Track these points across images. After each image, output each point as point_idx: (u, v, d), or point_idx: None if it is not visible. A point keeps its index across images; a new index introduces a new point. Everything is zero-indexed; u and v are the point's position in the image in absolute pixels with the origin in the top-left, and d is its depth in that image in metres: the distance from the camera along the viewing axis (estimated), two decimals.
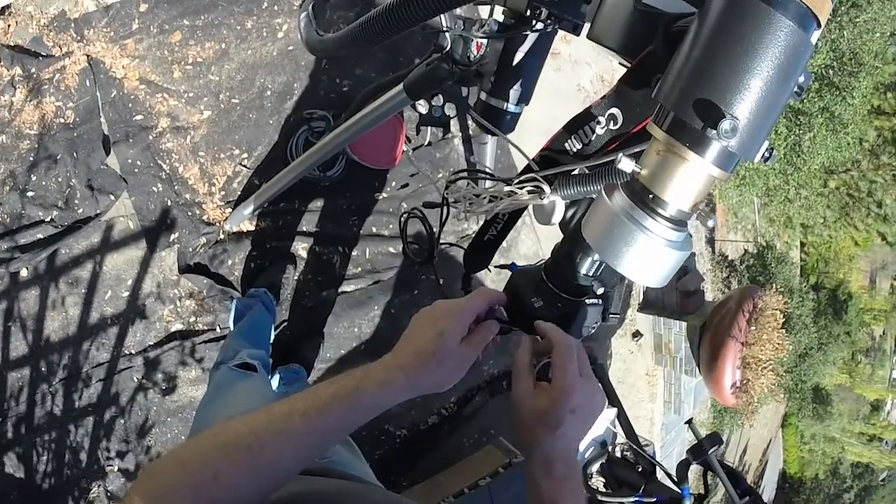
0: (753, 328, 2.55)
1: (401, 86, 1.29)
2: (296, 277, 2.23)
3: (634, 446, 2.31)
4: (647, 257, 0.56)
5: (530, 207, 0.92)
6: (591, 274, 0.85)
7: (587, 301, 0.84)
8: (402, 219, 1.13)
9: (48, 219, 1.79)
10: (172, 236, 2.05)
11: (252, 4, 2.18)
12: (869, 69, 4.33)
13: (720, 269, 3.98)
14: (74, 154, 1.87)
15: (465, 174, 0.99)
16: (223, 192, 2.16)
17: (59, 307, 1.81)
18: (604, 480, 2.34)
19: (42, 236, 1.78)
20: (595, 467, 2.33)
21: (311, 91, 2.27)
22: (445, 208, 1.00)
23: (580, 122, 0.78)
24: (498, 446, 2.19)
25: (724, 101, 0.50)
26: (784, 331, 2.63)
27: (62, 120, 1.85)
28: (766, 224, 4.45)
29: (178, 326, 2.03)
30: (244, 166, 2.20)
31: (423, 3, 0.76)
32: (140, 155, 2.01)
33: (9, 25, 1.70)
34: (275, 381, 1.92)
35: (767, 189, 3.72)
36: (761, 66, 0.49)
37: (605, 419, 2.43)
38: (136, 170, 2.01)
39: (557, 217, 0.86)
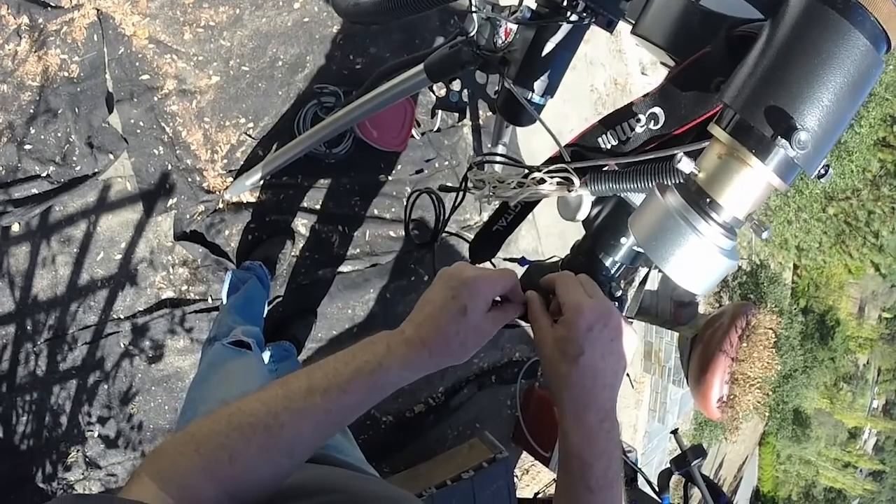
0: (745, 345, 2.55)
1: (420, 66, 1.26)
2: (293, 254, 2.20)
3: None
4: (696, 261, 0.55)
5: (551, 200, 0.89)
6: (610, 275, 0.83)
7: None
8: (412, 198, 1.10)
9: (44, 174, 1.74)
10: (170, 201, 2.00)
11: None
12: (879, 100, 4.35)
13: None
14: (76, 110, 1.82)
15: (491, 157, 0.96)
16: (225, 161, 2.12)
17: (50, 265, 1.76)
18: None
19: (37, 191, 1.73)
20: None
21: (323, 65, 2.23)
22: (462, 193, 0.97)
23: (618, 119, 0.75)
24: (483, 440, 2.18)
25: (796, 111, 0.50)
26: (777, 359, 2.65)
27: (66, 74, 1.80)
28: (762, 244, 4.47)
29: (169, 294, 1.99)
30: (249, 136, 2.16)
31: None
32: (143, 115, 1.97)
33: None
34: (265, 357, 1.89)
35: (767, 209, 3.72)
36: (835, 80, 0.49)
37: None
38: (139, 130, 1.96)
39: (584, 213, 0.83)
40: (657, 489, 2.06)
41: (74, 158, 1.81)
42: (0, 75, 1.67)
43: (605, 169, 0.78)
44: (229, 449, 0.52)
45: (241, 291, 1.80)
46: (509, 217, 1.04)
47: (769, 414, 5.41)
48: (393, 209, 2.38)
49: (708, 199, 0.55)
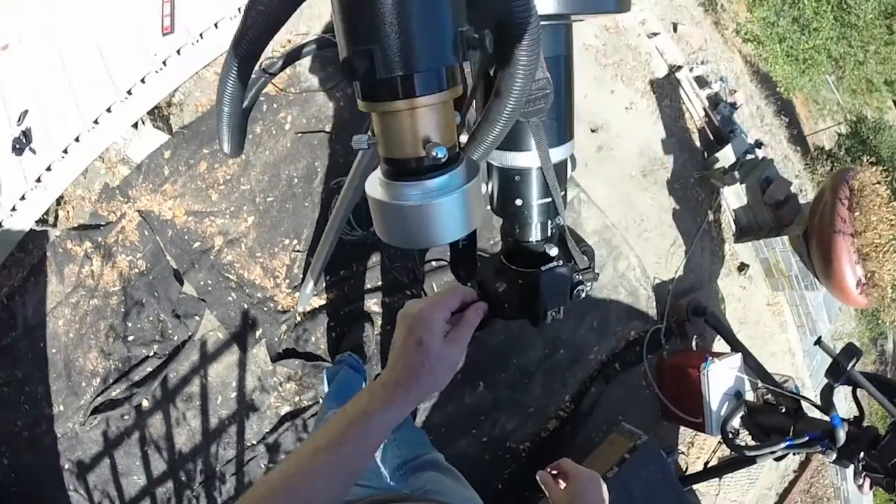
0: (857, 213, 2.22)
1: None
2: (376, 332, 2.33)
3: (771, 387, 2.10)
4: (429, 219, 0.53)
5: None
6: (540, 239, 0.83)
7: (545, 268, 0.82)
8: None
9: (151, 353, 2.07)
10: (257, 333, 2.24)
11: (254, 112, 2.39)
12: None
13: (820, 164, 3.54)
14: (155, 294, 2.14)
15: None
16: (287, 280, 2.34)
17: (182, 422, 2.06)
18: (749, 433, 2.14)
19: (151, 369, 2.06)
20: (735, 422, 2.15)
21: (331, 163, 2.41)
22: None
23: None
24: (620, 432, 2.09)
25: (353, 43, 0.48)
26: (893, 203, 2.27)
27: (136, 270, 2.13)
28: (850, 97, 3.92)
29: (286, 409, 2.21)
30: (298, 251, 2.37)
31: None
32: (208, 275, 2.25)
33: (67, 212, 2.02)
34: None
35: (834, 61, 3.29)
36: None
37: (731, 367, 2.24)
38: (210, 288, 2.24)
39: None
40: (823, 409, 1.83)
41: (169, 332, 2.11)
42: (88, 293, 2.03)
43: None
44: None
45: (334, 382, 1.96)
46: None
47: None
48: (447, 253, 2.46)
49: (391, 160, 0.54)
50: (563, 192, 0.85)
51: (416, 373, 0.65)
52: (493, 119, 0.65)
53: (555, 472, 0.93)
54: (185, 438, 2.07)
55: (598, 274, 0.87)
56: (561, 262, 0.82)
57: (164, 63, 2.05)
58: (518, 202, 0.81)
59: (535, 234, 0.82)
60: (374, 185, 0.57)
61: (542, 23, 0.69)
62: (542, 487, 0.93)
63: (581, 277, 0.86)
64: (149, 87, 2.08)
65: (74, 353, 2.04)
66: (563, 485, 0.91)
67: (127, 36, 2.08)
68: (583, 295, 0.88)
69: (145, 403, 2.06)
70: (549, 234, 0.83)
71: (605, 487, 0.88)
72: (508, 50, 0.57)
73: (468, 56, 0.51)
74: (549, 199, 0.81)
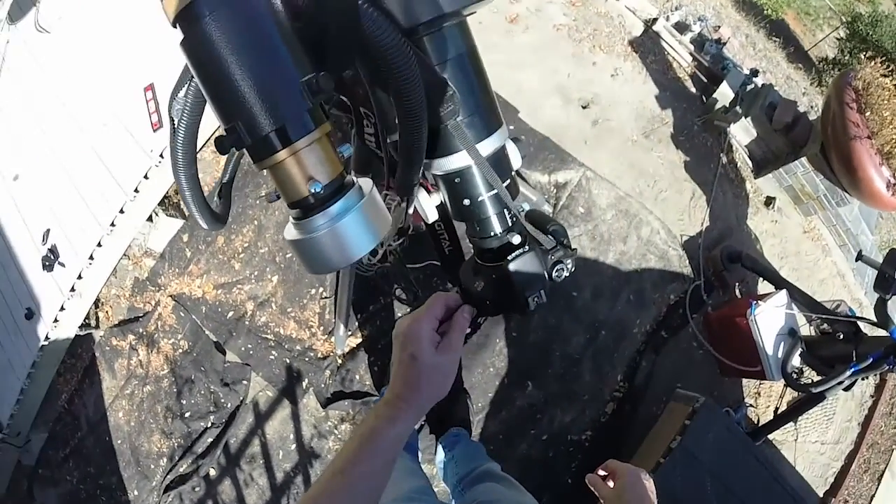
0: (869, 113, 2.09)
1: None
2: None
3: (823, 315, 2.00)
4: (337, 242, 0.60)
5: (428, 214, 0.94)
6: (502, 230, 0.85)
7: (510, 257, 0.83)
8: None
9: (209, 424, 2.17)
10: (304, 383, 2.31)
11: (257, 177, 2.49)
12: None
13: (827, 75, 3.37)
14: (202, 368, 2.25)
15: None
16: (322, 328, 2.40)
17: (250, 482, 2.14)
18: (812, 368, 2.04)
19: (211, 439, 2.16)
20: (795, 361, 2.06)
21: None
22: None
23: None
24: (677, 399, 2.03)
25: (224, 122, 0.56)
26: None
27: (180, 350, 2.25)
28: (839, 2, 3.72)
29: None
30: (325, 298, 2.44)
31: None
32: (247, 340, 2.34)
33: (106, 312, 2.16)
34: (440, 454, 2.03)
35: None
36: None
37: (778, 306, 2.15)
38: (251, 352, 2.33)
39: (431, 212, 0.88)
40: (881, 324, 1.74)
41: (222, 400, 2.21)
42: (140, 381, 2.15)
43: None
44: None
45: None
46: (444, 235, 1.10)
47: None
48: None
49: (296, 202, 0.61)
50: (510, 180, 0.86)
51: (415, 386, 0.69)
52: (406, 140, 0.69)
53: (603, 473, 0.99)
54: (256, 497, 2.15)
55: (575, 249, 0.87)
56: (527, 247, 0.83)
57: (161, 156, 2.17)
58: (466, 202, 0.83)
59: (495, 227, 0.84)
60: (291, 232, 0.62)
61: (430, 29, 0.72)
62: (592, 489, 0.98)
63: (555, 257, 0.87)
64: (153, 181, 2.22)
65: (138, 440, 2.16)
66: (611, 484, 0.96)
67: (122, 140, 2.22)
68: (564, 273, 0.88)
69: (212, 472, 2.15)
70: (511, 224, 0.85)
71: (650, 480, 0.95)
72: (386, 75, 0.60)
73: (316, 99, 0.57)
74: (496, 191, 0.82)
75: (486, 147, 0.79)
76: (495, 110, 0.82)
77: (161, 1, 0.54)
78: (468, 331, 0.80)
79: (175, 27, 0.55)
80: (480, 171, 0.80)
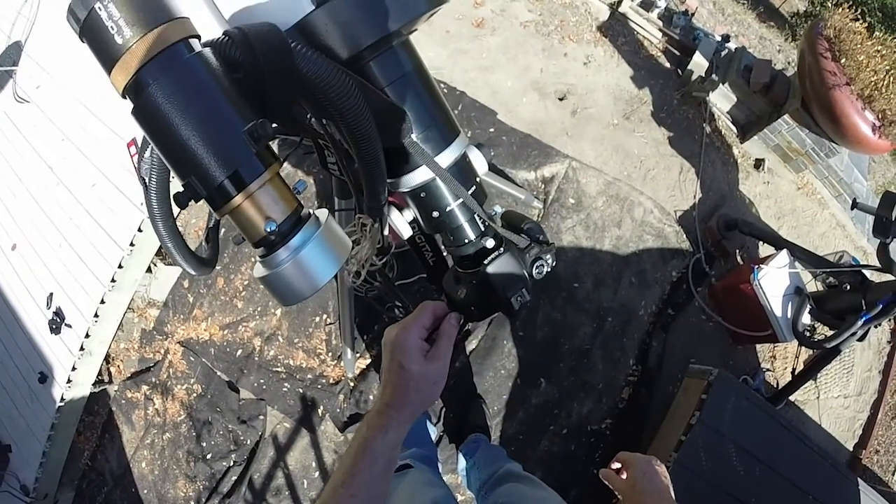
0: (844, 60, 2.07)
1: None
2: None
3: (826, 269, 1.98)
4: (301, 272, 0.62)
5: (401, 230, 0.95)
6: (475, 237, 0.86)
7: (486, 261, 0.84)
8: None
9: (231, 463, 2.18)
10: (319, 410, 2.32)
11: None
12: None
13: (801, 29, 3.33)
14: (218, 409, 2.26)
15: None
16: (330, 353, 2.41)
17: None
18: (823, 324, 2.01)
19: (235, 477, 2.17)
20: (805, 319, 2.03)
21: None
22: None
23: None
24: (691, 375, 2.01)
25: (181, 179, 0.59)
26: (878, 35, 2.10)
27: (195, 394, 2.27)
28: None
29: None
30: (330, 324, 2.46)
31: None
32: (259, 375, 2.36)
33: (118, 366, 2.19)
34: (461, 462, 2.02)
35: None
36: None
37: (780, 266, 2.12)
38: (264, 387, 2.35)
39: (404, 228, 0.90)
40: (885, 269, 1.71)
41: (241, 438, 2.22)
42: (159, 430, 2.17)
43: None
44: None
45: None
46: (425, 247, 1.11)
47: None
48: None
49: (260, 240, 0.63)
50: (475, 186, 0.87)
51: (404, 394, 0.71)
52: (363, 165, 0.71)
53: (616, 465, 1.00)
54: None
55: (552, 244, 0.88)
56: (502, 249, 0.84)
57: None
58: (436, 214, 0.85)
59: (468, 234, 0.85)
60: (259, 270, 0.64)
61: (375, 53, 0.74)
62: (606, 483, 0.99)
63: (532, 255, 0.88)
64: (147, 233, 2.25)
65: (164, 487, 2.18)
66: (624, 475, 0.97)
67: (112, 197, 2.27)
68: (545, 269, 0.89)
69: None
70: (484, 229, 0.86)
71: (662, 467, 0.97)
72: (330, 109, 0.62)
73: (259, 145, 0.60)
74: (461, 199, 0.83)
75: (446, 158, 0.81)
76: (450, 121, 0.84)
77: (109, 76, 0.57)
78: (457, 337, 0.81)
79: (125, 98, 0.58)
80: (444, 183, 0.81)
